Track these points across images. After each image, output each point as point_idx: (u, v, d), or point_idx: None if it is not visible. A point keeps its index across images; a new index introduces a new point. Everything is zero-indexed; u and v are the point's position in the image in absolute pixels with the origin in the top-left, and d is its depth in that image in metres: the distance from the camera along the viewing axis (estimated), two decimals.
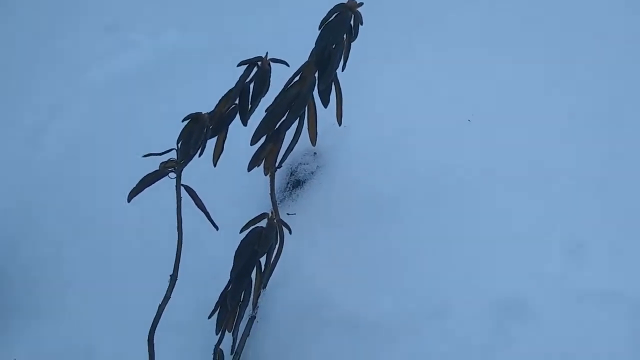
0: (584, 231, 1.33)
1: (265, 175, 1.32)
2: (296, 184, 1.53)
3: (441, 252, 1.37)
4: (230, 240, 1.17)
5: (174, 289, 1.14)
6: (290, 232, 1.12)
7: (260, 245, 1.05)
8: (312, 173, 1.54)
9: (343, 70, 1.21)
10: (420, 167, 1.49)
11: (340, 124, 1.28)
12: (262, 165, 1.30)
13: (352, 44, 1.21)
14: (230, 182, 1.46)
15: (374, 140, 1.53)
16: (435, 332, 1.26)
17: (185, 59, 1.93)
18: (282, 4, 1.94)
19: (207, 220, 1.10)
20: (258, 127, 1.21)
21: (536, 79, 1.58)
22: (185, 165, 1.06)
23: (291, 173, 1.55)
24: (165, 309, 1.15)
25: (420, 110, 1.55)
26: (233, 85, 1.11)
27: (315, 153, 1.56)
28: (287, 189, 1.54)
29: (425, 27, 1.73)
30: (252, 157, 1.26)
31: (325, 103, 1.23)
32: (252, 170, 1.25)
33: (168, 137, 1.73)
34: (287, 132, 1.24)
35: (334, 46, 1.17)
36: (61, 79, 1.92)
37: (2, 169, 1.76)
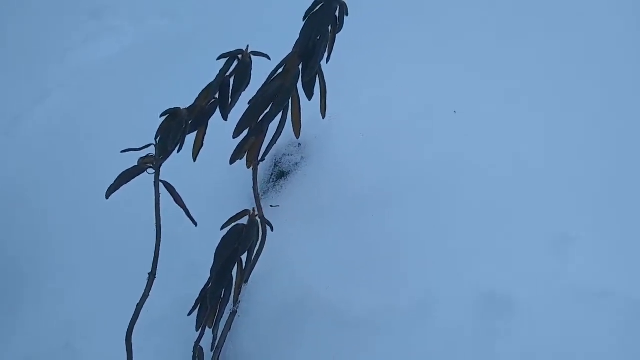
0: (572, 226, 1.32)
1: (248, 168, 1.30)
2: (280, 175, 1.51)
3: (426, 246, 1.36)
4: (210, 235, 1.15)
5: (153, 286, 1.13)
6: (272, 230, 1.10)
7: (241, 243, 1.03)
8: (297, 164, 1.51)
9: (327, 62, 1.19)
10: (406, 159, 1.47)
11: (324, 117, 1.25)
12: (244, 158, 1.28)
13: (337, 35, 1.19)
14: (212, 175, 1.44)
15: (359, 131, 1.51)
16: (419, 327, 1.24)
17: (168, 45, 1.90)
18: None
19: (186, 216, 1.09)
20: (240, 119, 1.18)
21: (524, 72, 1.56)
22: (164, 161, 1.03)
23: (275, 164, 1.53)
24: (144, 306, 1.13)
25: (405, 102, 1.53)
26: (216, 74, 1.09)
27: (299, 144, 1.53)
28: (271, 180, 1.52)
29: (412, 18, 1.70)
30: (235, 150, 1.23)
31: (310, 95, 1.21)
32: (235, 163, 1.23)
33: (151, 124, 1.71)
34: (270, 125, 1.22)
35: (318, 37, 1.15)
36: (44, 64, 1.89)
37: None
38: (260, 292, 1.32)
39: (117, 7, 2.03)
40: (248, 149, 1.25)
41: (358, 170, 1.47)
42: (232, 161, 1.24)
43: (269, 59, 1.09)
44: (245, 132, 1.21)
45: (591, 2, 1.67)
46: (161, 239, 1.06)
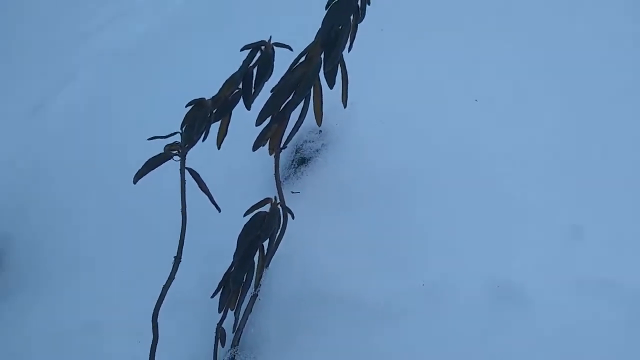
0: (585, 217, 1.33)
1: (270, 155, 1.32)
2: (301, 161, 1.54)
3: (442, 234, 1.38)
4: (233, 220, 1.18)
5: (179, 267, 1.16)
6: (293, 217, 1.13)
7: (263, 230, 1.06)
8: (317, 151, 1.54)
9: (349, 51, 1.20)
10: (425, 147, 1.49)
11: (345, 105, 1.27)
12: (267, 145, 1.31)
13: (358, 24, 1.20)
14: (234, 161, 1.46)
15: (380, 118, 1.52)
16: (432, 315, 1.27)
17: (189, 28, 1.92)
18: None
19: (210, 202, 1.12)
20: (263, 107, 1.20)
21: (544, 61, 1.56)
22: (189, 149, 1.06)
23: (296, 150, 1.55)
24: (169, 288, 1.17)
25: (426, 90, 1.54)
26: (234, 56, 1.11)
27: (320, 131, 1.55)
28: (292, 166, 1.54)
29: (435, 6, 1.69)
30: (257, 137, 1.26)
31: (331, 84, 1.22)
32: (257, 150, 1.26)
33: (172, 108, 1.73)
34: (292, 113, 1.24)
35: (340, 27, 1.16)
36: (67, 49, 1.92)
37: (10, 137, 1.78)
38: (280, 276, 1.36)
39: None
40: (270, 137, 1.27)
41: (378, 157, 1.49)
42: (254, 148, 1.27)
43: (291, 50, 1.10)
44: (268, 120, 1.24)
45: None
46: (186, 225, 1.09)
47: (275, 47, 1.09)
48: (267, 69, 1.08)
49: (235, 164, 1.47)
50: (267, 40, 1.08)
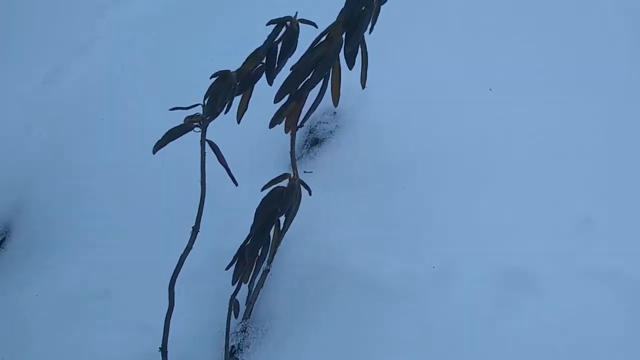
0: (594, 207, 1.35)
1: (286, 133, 1.33)
2: (314, 142, 1.55)
3: (453, 218, 1.40)
4: (248, 194, 1.20)
5: None
6: (310, 194, 1.14)
7: (280, 205, 1.07)
8: (331, 132, 1.55)
9: (370, 33, 1.21)
10: (439, 132, 1.50)
11: (364, 86, 1.28)
12: (283, 123, 1.32)
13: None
14: (250, 136, 1.47)
15: (394, 103, 1.54)
16: (440, 298, 1.29)
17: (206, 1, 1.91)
18: None
19: (227, 174, 1.13)
20: (282, 85, 1.21)
21: (559, 55, 1.57)
22: (211, 121, 1.07)
23: (310, 131, 1.56)
24: (183, 258, 1.18)
25: (442, 76, 1.55)
26: (253, 33, 1.12)
27: (335, 112, 1.56)
28: (305, 146, 1.55)
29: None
30: (275, 115, 1.27)
31: (351, 65, 1.23)
32: (273, 128, 1.27)
33: (189, 78, 1.72)
34: (310, 92, 1.24)
35: (363, 8, 1.17)
36: (83, 19, 1.92)
37: (24, 107, 1.78)
38: (291, 252, 1.37)
39: None
40: (287, 115, 1.28)
41: (391, 140, 1.51)
42: (271, 125, 1.27)
43: (316, 27, 1.11)
44: (286, 98, 1.25)
45: None
46: (205, 196, 1.10)
47: (300, 24, 1.09)
48: (291, 45, 1.09)
49: (250, 139, 1.48)
50: (292, 16, 1.09)
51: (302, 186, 1.13)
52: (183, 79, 1.63)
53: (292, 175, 1.10)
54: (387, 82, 1.53)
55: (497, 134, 1.48)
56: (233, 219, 1.39)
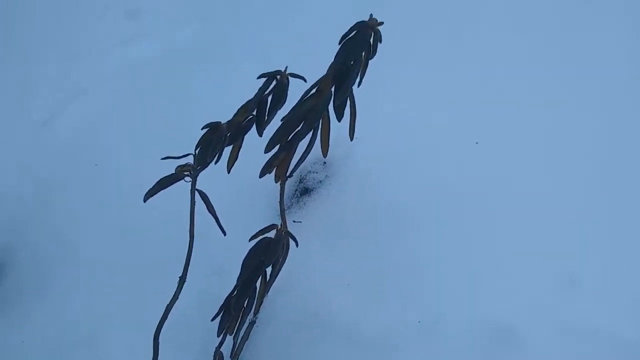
0: (578, 263, 1.36)
1: (276, 182, 1.35)
2: (304, 191, 1.56)
3: (440, 270, 1.40)
4: (235, 243, 1.20)
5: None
6: (297, 245, 1.14)
7: (267, 256, 1.08)
8: (321, 182, 1.56)
9: (359, 86, 1.23)
10: (427, 182, 1.51)
11: (352, 139, 1.30)
12: (273, 173, 1.33)
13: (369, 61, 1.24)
14: (239, 186, 1.48)
15: (384, 152, 1.56)
16: (426, 352, 1.29)
17: (202, 52, 1.95)
18: (307, 11, 1.95)
19: (213, 222, 1.13)
20: (273, 135, 1.23)
21: (548, 98, 1.60)
22: (201, 171, 1.08)
23: (300, 180, 1.58)
24: (169, 308, 1.17)
25: (430, 126, 1.58)
26: (246, 84, 1.14)
27: (325, 162, 1.58)
28: (295, 196, 1.56)
29: (441, 41, 1.75)
30: (265, 165, 1.29)
31: (340, 118, 1.26)
32: (262, 177, 1.28)
33: (185, 129, 1.74)
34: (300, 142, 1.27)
35: (352, 62, 1.20)
36: (81, 64, 1.94)
37: (18, 150, 1.79)
38: (278, 304, 1.37)
39: (154, 10, 2.08)
40: (277, 165, 1.30)
41: (380, 190, 1.52)
42: (261, 175, 1.29)
43: (305, 81, 1.14)
44: (276, 148, 1.27)
45: None
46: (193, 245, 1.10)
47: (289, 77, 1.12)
48: (281, 98, 1.12)
49: (240, 187, 1.49)
50: (282, 70, 1.12)
51: (289, 237, 1.14)
52: (177, 127, 1.65)
53: (279, 226, 1.11)
54: (376, 133, 1.55)
55: (483, 183, 1.50)
56: (222, 265, 1.39)
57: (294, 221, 1.49)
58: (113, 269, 1.52)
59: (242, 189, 1.49)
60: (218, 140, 1.04)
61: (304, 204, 1.54)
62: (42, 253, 1.60)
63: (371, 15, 1.20)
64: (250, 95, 1.12)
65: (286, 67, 1.12)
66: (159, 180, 1.12)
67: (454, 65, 1.69)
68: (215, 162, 1.09)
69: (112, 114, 1.84)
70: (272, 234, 1.13)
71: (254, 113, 1.12)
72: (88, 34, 2.05)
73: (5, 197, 1.71)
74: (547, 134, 1.55)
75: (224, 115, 1.11)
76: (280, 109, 1.14)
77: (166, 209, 1.38)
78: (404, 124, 1.59)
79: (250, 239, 1.12)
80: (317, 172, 1.58)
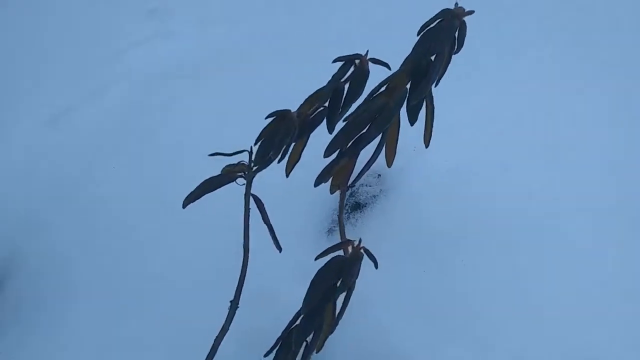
0: None
1: (331, 193, 1.16)
2: (356, 206, 1.36)
3: (510, 299, 1.20)
4: (282, 262, 1.00)
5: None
6: (376, 267, 0.94)
7: (343, 278, 0.87)
8: (375, 197, 1.37)
9: (436, 85, 1.05)
10: (493, 203, 1.33)
11: (427, 145, 1.12)
12: (329, 182, 1.14)
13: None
14: (286, 196, 1.28)
15: (446, 168, 1.37)
16: None
17: (226, 53, 1.80)
18: None
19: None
20: (334, 137, 1.04)
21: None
22: (261, 170, 0.89)
23: (351, 194, 1.38)
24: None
25: (500, 143, 1.39)
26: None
27: (379, 175, 1.39)
28: (346, 211, 1.36)
29: (519, 57, 1.58)
30: (322, 171, 1.09)
31: (413, 121, 1.07)
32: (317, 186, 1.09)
33: (206, 135, 1.58)
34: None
35: (434, 56, 1.02)
36: (102, 62, 1.81)
37: (26, 147, 1.61)
38: (333, 335, 1.15)
39: (178, 9, 1.97)
40: (336, 173, 1.11)
41: (440, 210, 1.32)
42: (317, 183, 1.10)
43: (389, 68, 0.95)
44: (336, 154, 1.08)
45: None
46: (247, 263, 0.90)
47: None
48: (360, 87, 0.93)
49: (287, 199, 1.29)
50: (363, 54, 0.93)
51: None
52: (196, 136, 1.49)
53: (356, 243, 0.91)
54: (440, 144, 1.36)
55: (555, 211, 1.31)
56: (265, 290, 1.17)
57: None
58: (122, 296, 1.28)
59: (285, 198, 1.28)
60: (286, 132, 0.85)
61: (356, 220, 1.33)
62: (42, 271, 1.40)
63: (456, 3, 1.03)
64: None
65: (367, 51, 0.94)
66: (204, 182, 0.92)
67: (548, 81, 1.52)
68: (279, 161, 0.89)
69: (129, 116, 1.68)
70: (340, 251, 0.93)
71: (326, 104, 0.93)
72: (109, 32, 1.91)
73: (13, 204, 1.51)
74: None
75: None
76: (357, 100, 0.95)
77: (197, 215, 1.17)
78: (476, 137, 1.40)
79: (317, 258, 0.91)
80: (370, 186, 1.38)
